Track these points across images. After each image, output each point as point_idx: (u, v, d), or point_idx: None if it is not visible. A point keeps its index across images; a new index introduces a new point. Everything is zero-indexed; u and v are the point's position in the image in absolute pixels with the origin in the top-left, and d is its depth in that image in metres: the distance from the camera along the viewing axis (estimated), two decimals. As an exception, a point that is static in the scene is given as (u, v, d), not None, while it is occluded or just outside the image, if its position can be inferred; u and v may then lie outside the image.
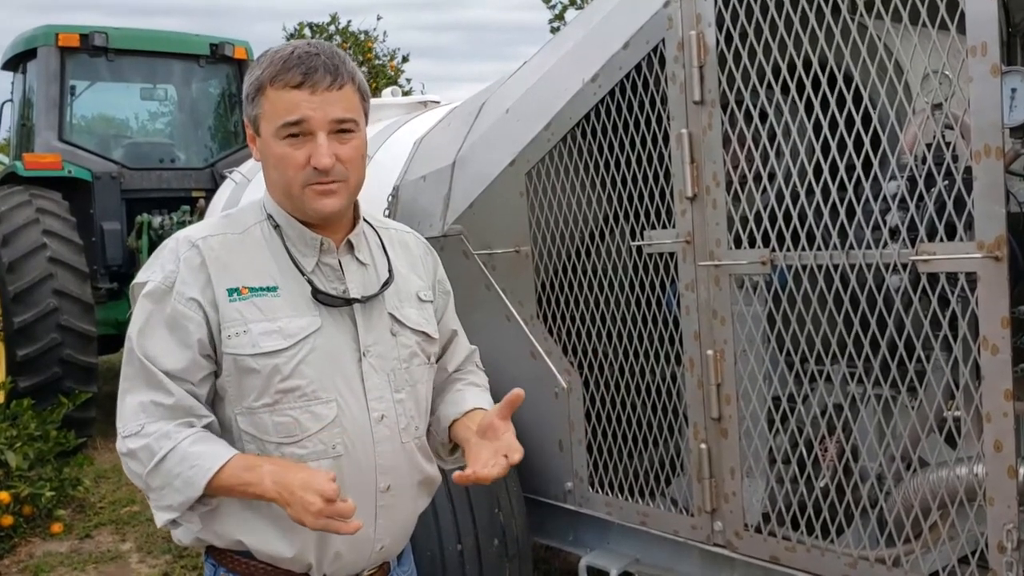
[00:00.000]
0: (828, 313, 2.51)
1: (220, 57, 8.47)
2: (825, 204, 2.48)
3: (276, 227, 1.74)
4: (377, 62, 15.30)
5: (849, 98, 2.42)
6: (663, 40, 2.79)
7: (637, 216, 3.08)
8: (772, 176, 2.64)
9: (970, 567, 2.33)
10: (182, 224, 7.41)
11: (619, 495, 3.17)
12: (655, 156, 2.94)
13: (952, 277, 2.28)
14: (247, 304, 1.67)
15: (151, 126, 9.23)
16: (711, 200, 2.71)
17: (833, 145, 2.45)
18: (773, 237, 2.60)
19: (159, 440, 1.62)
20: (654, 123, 2.92)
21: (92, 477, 6.14)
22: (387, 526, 1.78)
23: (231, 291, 1.67)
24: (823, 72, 2.46)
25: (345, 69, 1.68)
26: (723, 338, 2.73)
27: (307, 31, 15.32)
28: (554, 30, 14.90)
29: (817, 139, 2.50)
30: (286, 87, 1.64)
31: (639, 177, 3.03)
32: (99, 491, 6.01)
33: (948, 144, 2.30)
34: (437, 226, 3.60)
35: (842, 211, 2.45)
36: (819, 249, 2.50)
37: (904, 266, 2.35)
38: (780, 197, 2.60)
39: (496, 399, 1.83)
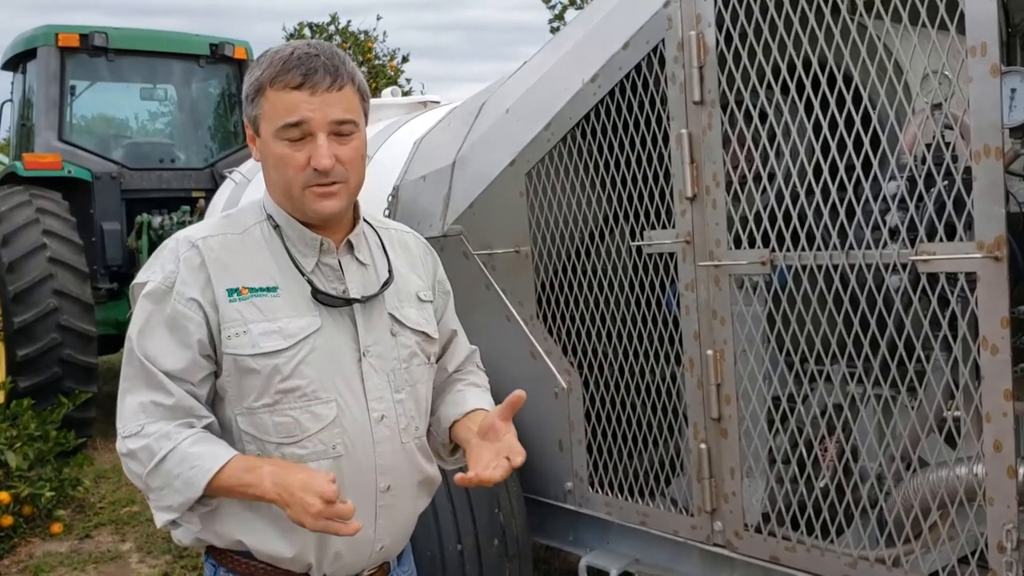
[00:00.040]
0: (828, 313, 2.51)
1: (220, 57, 8.47)
2: (825, 204, 2.48)
3: (276, 227, 1.74)
4: (377, 62, 15.30)
5: (849, 98, 2.42)
6: (663, 40, 2.79)
7: (637, 216, 3.08)
8: (772, 176, 2.64)
9: (970, 567, 2.33)
10: (182, 224, 7.41)
11: (619, 495, 3.17)
12: (655, 156, 2.94)
13: (952, 277, 2.28)
14: (247, 304, 1.67)
15: (151, 126, 9.23)
16: (711, 200, 2.71)
17: (833, 145, 2.45)
18: (773, 237, 2.60)
19: (159, 441, 1.62)
20: (654, 123, 2.93)
21: (92, 477, 6.14)
22: (387, 526, 1.78)
23: (231, 291, 1.67)
24: (823, 72, 2.46)
25: (345, 70, 1.68)
26: (723, 338, 2.73)
27: (307, 31, 15.32)
28: (554, 30, 14.90)
29: (817, 139, 2.50)
30: (286, 88, 1.64)
31: (639, 177, 3.03)
32: (99, 491, 6.01)
33: (948, 144, 2.30)
34: (437, 226, 3.60)
35: (842, 211, 2.45)
36: (819, 249, 2.50)
37: (904, 266, 2.35)
38: (780, 197, 2.60)
39: (496, 399, 1.83)
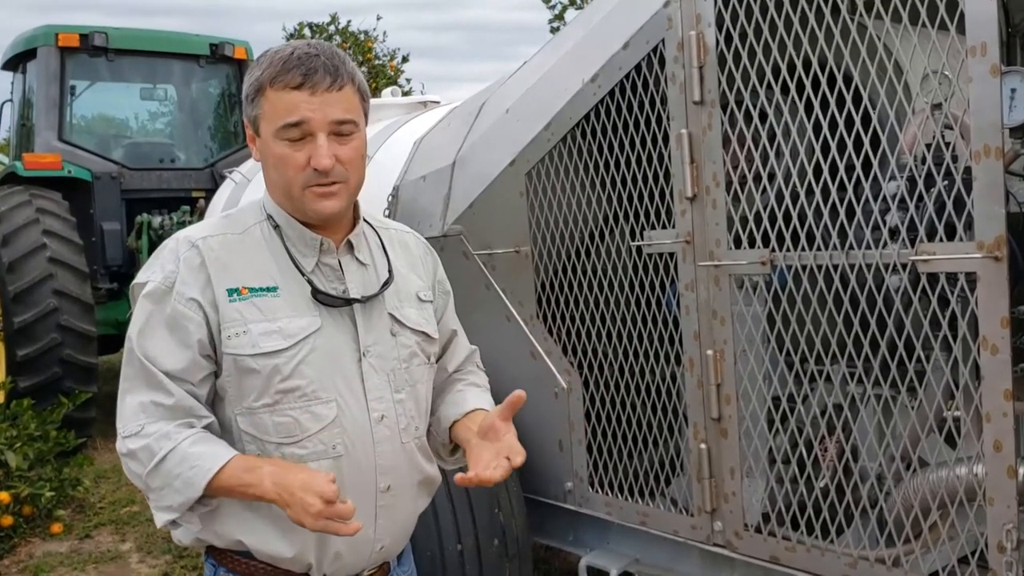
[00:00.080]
0: (828, 313, 2.51)
1: (220, 57, 8.47)
2: (825, 204, 2.48)
3: (276, 227, 1.74)
4: (377, 62, 15.30)
5: (849, 98, 2.42)
6: (663, 40, 2.79)
7: (637, 216, 3.08)
8: (772, 176, 2.64)
9: (970, 567, 2.33)
10: (182, 224, 7.41)
11: (619, 495, 3.17)
12: (655, 156, 2.94)
13: (952, 277, 2.28)
14: (247, 304, 1.67)
15: (151, 126, 9.23)
16: (711, 200, 2.71)
17: (833, 145, 2.45)
18: (773, 237, 2.60)
19: (159, 441, 1.62)
20: (654, 123, 2.92)
21: (92, 477, 6.14)
22: (387, 526, 1.78)
23: (231, 291, 1.67)
24: (823, 72, 2.46)
25: (345, 70, 1.68)
26: (723, 338, 2.73)
27: (307, 31, 15.32)
28: (554, 30, 14.90)
29: (817, 139, 2.50)
30: (286, 88, 1.64)
31: (639, 177, 3.03)
32: (99, 491, 6.01)
33: (948, 144, 2.30)
34: (437, 226, 3.60)
35: (842, 211, 2.45)
36: (819, 249, 2.50)
37: (904, 266, 2.35)
38: (780, 197, 2.60)
39: (497, 400, 1.83)
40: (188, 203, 7.92)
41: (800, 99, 2.50)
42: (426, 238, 2.03)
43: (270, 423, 1.67)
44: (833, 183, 2.46)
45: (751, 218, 2.67)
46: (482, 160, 3.51)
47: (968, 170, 2.16)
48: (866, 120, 2.39)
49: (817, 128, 2.49)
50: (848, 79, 2.48)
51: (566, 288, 3.33)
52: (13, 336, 6.44)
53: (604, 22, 3.08)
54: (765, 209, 2.62)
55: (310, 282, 1.71)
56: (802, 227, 2.54)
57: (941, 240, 2.27)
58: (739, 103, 2.66)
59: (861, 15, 2.41)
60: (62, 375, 6.50)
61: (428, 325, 1.86)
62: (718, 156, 2.69)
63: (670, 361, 3.01)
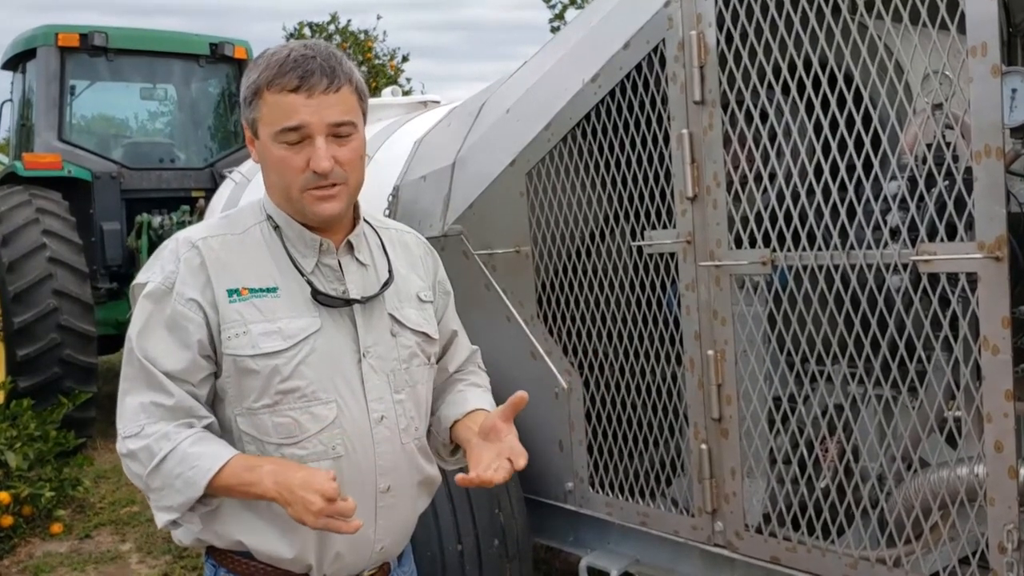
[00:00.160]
0: (829, 313, 2.50)
1: (220, 57, 8.47)
2: (825, 204, 2.48)
3: (276, 228, 1.74)
4: (377, 62, 15.30)
5: (849, 98, 2.42)
6: (663, 40, 2.79)
7: (637, 216, 3.08)
8: (772, 176, 2.64)
9: (971, 568, 2.33)
10: (182, 224, 7.41)
11: (619, 495, 3.17)
12: (655, 156, 2.94)
13: (953, 277, 2.27)
14: (247, 305, 1.67)
15: (151, 126, 9.23)
16: (711, 200, 2.71)
17: (833, 145, 2.45)
18: (774, 237, 2.60)
19: (159, 441, 1.62)
20: (654, 123, 2.92)
21: (92, 477, 6.14)
22: (387, 527, 1.78)
23: (231, 292, 1.67)
24: (823, 72, 2.46)
25: (342, 70, 1.67)
26: (724, 338, 2.73)
27: (307, 31, 15.33)
28: (554, 30, 14.90)
29: (817, 139, 2.50)
30: (283, 91, 1.64)
31: (639, 177, 3.03)
32: (99, 491, 6.01)
33: (948, 144, 2.30)
34: (437, 226, 3.60)
35: (842, 211, 2.45)
36: (819, 249, 2.50)
37: (904, 266, 2.34)
38: (780, 197, 2.59)
39: (497, 400, 1.83)
40: (188, 203, 7.92)
41: (801, 99, 2.50)
42: (426, 238, 2.02)
43: (270, 424, 1.67)
44: (834, 183, 2.46)
45: (752, 218, 2.67)
46: (482, 160, 3.51)
47: (969, 170, 2.16)
48: (867, 120, 2.39)
49: (818, 128, 2.49)
50: (849, 79, 2.47)
51: (566, 288, 3.32)
52: (13, 336, 6.44)
53: (604, 22, 3.08)
54: (766, 209, 2.62)
55: (310, 283, 1.71)
56: (803, 227, 2.54)
57: (942, 240, 2.27)
58: (740, 103, 2.66)
59: (862, 15, 2.41)
60: (62, 375, 6.50)
61: (428, 325, 1.86)
62: (719, 156, 2.69)
63: (671, 361, 3.01)
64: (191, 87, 8.71)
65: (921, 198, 2.32)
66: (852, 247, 2.46)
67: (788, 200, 2.56)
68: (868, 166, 2.40)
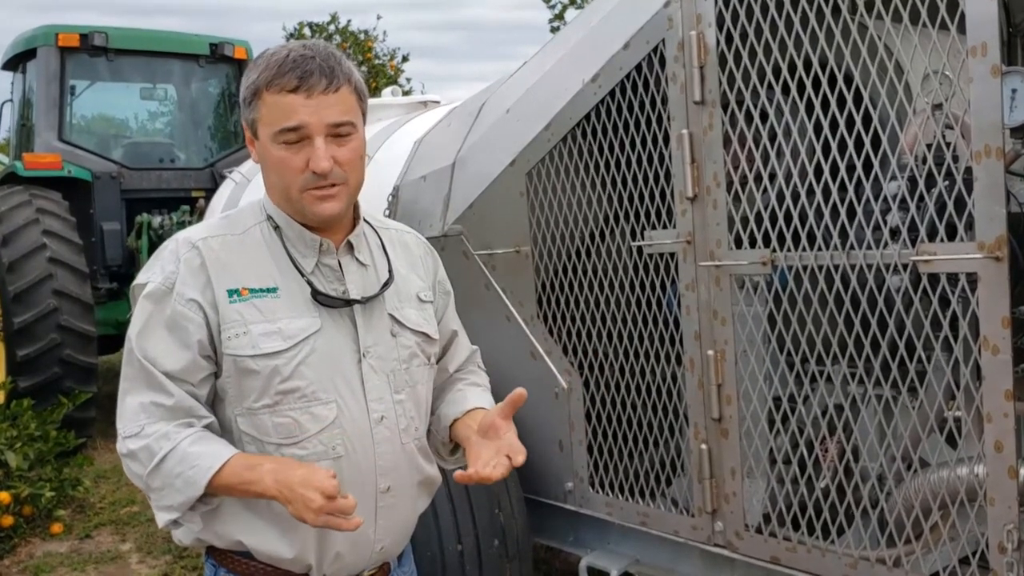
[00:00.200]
0: (829, 313, 2.51)
1: (220, 57, 8.47)
2: (825, 204, 2.48)
3: (276, 228, 1.74)
4: (377, 62, 15.30)
5: (849, 98, 2.42)
6: (663, 40, 2.79)
7: (637, 216, 3.08)
8: (772, 176, 2.64)
9: (971, 568, 2.33)
10: (182, 224, 7.41)
11: (619, 495, 3.17)
12: (655, 156, 2.94)
13: (953, 277, 2.28)
14: (247, 305, 1.67)
15: (151, 126, 9.23)
16: (711, 200, 2.71)
17: (833, 145, 2.45)
18: (774, 237, 2.60)
19: (159, 441, 1.62)
20: (654, 123, 2.92)
21: (92, 477, 6.14)
22: (387, 527, 1.78)
23: (231, 292, 1.67)
24: (823, 72, 2.46)
25: (341, 71, 1.67)
26: (724, 338, 2.73)
27: (307, 31, 15.33)
28: (554, 30, 14.90)
29: (817, 139, 2.50)
30: (282, 92, 1.64)
31: (639, 177, 3.03)
32: (99, 491, 6.01)
33: (948, 144, 2.30)
34: (437, 226, 3.60)
35: (842, 211, 2.45)
36: (819, 249, 2.50)
37: (904, 266, 2.34)
38: (780, 197, 2.59)
39: (497, 400, 1.83)
40: (188, 203, 7.92)
41: (801, 99, 2.50)
42: (426, 238, 2.02)
43: (270, 424, 1.67)
44: (834, 183, 2.46)
45: (752, 218, 2.67)
46: (482, 160, 3.51)
47: (969, 170, 2.16)
48: (867, 120, 2.39)
49: (818, 128, 2.49)
50: (849, 79, 2.47)
51: (566, 288, 3.32)
52: (13, 336, 6.45)
53: (604, 22, 3.08)
54: (766, 209, 2.62)
55: (310, 283, 1.71)
56: (803, 227, 2.54)
57: (942, 240, 2.27)
58: (740, 103, 2.66)
59: (861, 15, 2.41)
60: (62, 375, 6.51)
61: (428, 326, 1.86)
62: (719, 156, 2.69)
63: (671, 361, 3.01)
64: (191, 87, 8.71)
65: (921, 198, 2.32)
66: (852, 247, 2.46)
67: (788, 200, 2.56)
68: (868, 166, 2.40)
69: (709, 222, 2.72)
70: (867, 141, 2.40)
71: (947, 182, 2.27)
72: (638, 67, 2.92)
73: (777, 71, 2.55)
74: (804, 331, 2.57)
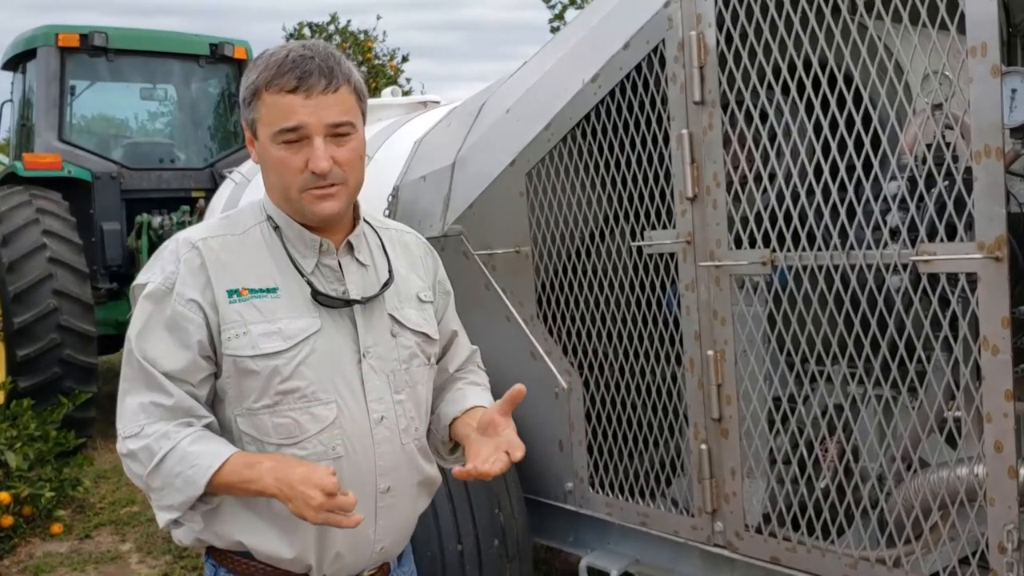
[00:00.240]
0: (828, 314, 2.51)
1: (220, 57, 8.47)
2: (825, 204, 2.48)
3: (276, 228, 1.74)
4: (377, 62, 15.30)
5: (849, 98, 2.42)
6: (663, 40, 2.79)
7: (637, 216, 3.08)
8: (772, 176, 2.64)
9: (971, 568, 2.33)
10: (182, 224, 7.41)
11: (619, 496, 3.17)
12: (655, 156, 2.94)
13: (952, 277, 2.28)
14: (247, 305, 1.67)
15: (151, 126, 9.23)
16: (711, 200, 2.71)
17: (833, 145, 2.45)
18: (773, 237, 2.60)
19: (159, 440, 1.62)
20: (654, 123, 2.92)
21: (92, 477, 6.14)
22: (387, 527, 1.78)
23: (231, 292, 1.67)
24: (823, 72, 2.46)
25: (340, 71, 1.67)
26: (723, 338, 2.73)
27: (307, 31, 15.33)
28: (554, 30, 14.90)
29: (817, 139, 2.50)
30: (281, 92, 1.64)
31: (639, 177, 3.03)
32: (99, 491, 6.01)
33: (948, 144, 2.30)
34: (437, 226, 3.60)
35: (842, 211, 2.45)
36: (819, 249, 2.50)
37: (904, 266, 2.34)
38: (780, 197, 2.60)
39: (496, 399, 1.83)
40: (188, 203, 7.92)
41: (800, 99, 2.50)
42: (426, 238, 2.02)
43: (270, 424, 1.67)
44: (834, 183, 2.46)
45: (751, 218, 2.67)
46: (482, 160, 3.51)
47: (969, 170, 2.16)
48: (866, 120, 2.39)
49: (817, 128, 2.49)
50: (848, 79, 2.47)
51: (566, 288, 3.32)
52: (13, 336, 6.45)
53: (604, 22, 3.08)
54: (765, 209, 2.62)
55: (310, 283, 1.71)
56: (803, 227, 2.54)
57: (942, 240, 2.27)
58: (739, 103, 2.66)
59: (861, 15, 2.41)
60: (62, 375, 6.51)
61: (428, 326, 1.86)
62: (718, 156, 2.69)
63: (671, 361, 3.01)
64: (191, 87, 8.71)
65: (921, 198, 2.32)
66: (852, 247, 2.46)
67: (788, 200, 2.56)
68: (868, 166, 2.40)
69: (709, 222, 2.73)
70: (867, 141, 2.40)
71: (947, 182, 2.27)
72: (638, 67, 2.92)
73: (777, 71, 2.56)
74: (804, 331, 2.57)
